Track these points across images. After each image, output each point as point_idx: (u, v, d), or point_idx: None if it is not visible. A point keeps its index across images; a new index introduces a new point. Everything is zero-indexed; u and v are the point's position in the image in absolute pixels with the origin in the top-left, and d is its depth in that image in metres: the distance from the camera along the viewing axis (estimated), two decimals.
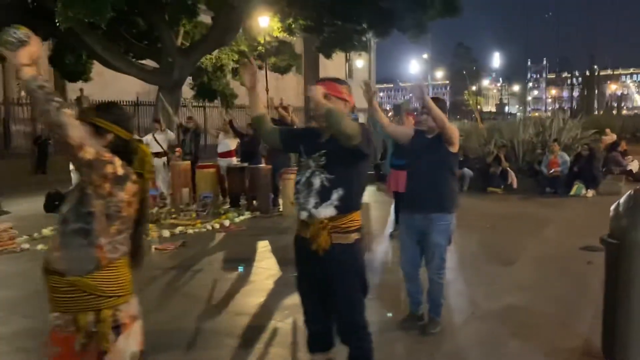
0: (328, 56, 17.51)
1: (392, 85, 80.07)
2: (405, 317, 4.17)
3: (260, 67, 22.79)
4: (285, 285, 5.09)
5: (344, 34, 15.71)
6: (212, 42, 17.07)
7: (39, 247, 6.70)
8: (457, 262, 5.97)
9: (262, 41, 21.38)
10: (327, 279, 2.69)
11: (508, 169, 11.23)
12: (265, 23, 18.95)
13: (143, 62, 18.12)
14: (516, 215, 8.76)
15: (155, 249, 6.55)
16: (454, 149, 3.82)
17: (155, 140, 10.70)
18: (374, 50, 47.45)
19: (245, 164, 9.57)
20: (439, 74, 56.34)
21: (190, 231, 7.56)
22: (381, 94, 66.83)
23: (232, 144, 10.16)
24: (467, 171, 11.49)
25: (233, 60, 22.50)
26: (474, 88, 62.52)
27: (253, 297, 4.87)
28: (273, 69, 23.17)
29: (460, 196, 10.65)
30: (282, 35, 19.75)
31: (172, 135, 10.81)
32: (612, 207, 3.15)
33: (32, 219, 9.01)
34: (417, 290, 4.09)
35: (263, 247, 6.73)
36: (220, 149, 10.32)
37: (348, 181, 2.64)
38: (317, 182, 2.66)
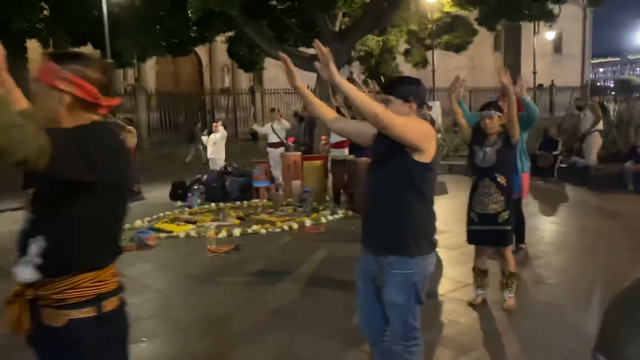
0: (492, 29, 15.36)
1: (617, 59, 69.47)
2: None
3: (430, 47, 21.23)
4: (286, 315, 4.16)
5: (510, 2, 13.44)
6: (368, 25, 16.18)
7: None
8: (540, 303, 4.27)
9: (432, 18, 19.82)
10: None
11: None
12: None
13: (305, 49, 18.12)
14: None
15: (208, 250, 6.09)
16: (422, 156, 2.44)
17: (273, 130, 10.37)
18: (589, 19, 41.51)
19: (351, 156, 8.61)
20: None
21: (263, 231, 6.96)
22: (601, 70, 58.44)
23: None
24: (628, 166, 8.93)
25: (405, 41, 21.38)
26: None
27: (236, 324, 4.02)
28: (445, 48, 21.37)
29: (621, 197, 8.40)
30: (454, 10, 17.96)
31: (287, 124, 10.35)
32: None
33: (153, 206, 9.33)
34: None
35: (320, 257, 5.77)
36: (332, 139, 9.50)
37: (56, 226, 1.63)
38: (22, 224, 1.72)
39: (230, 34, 18.82)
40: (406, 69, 23.28)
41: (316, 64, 2.30)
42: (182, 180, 10.41)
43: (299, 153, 9.61)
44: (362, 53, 21.47)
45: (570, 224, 7.06)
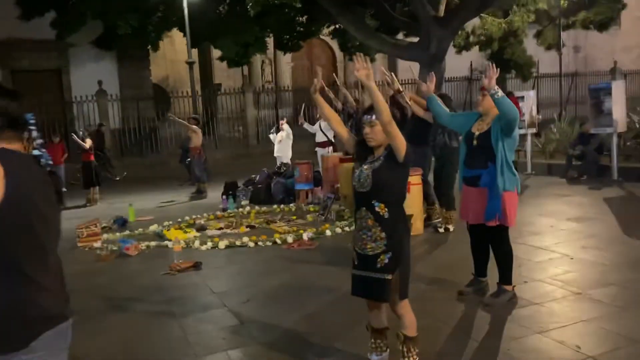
0: None
1: None
2: None
3: (566, 27, 18.38)
4: None
5: None
6: (473, 7, 14.43)
7: (101, 247, 6.59)
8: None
9: None
10: None
11: None
12: None
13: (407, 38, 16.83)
14: None
15: (169, 266, 5.55)
16: None
17: (321, 128, 9.60)
18: None
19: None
20: None
21: (251, 244, 6.29)
22: None
23: None
24: None
25: (530, 22, 18.86)
26: None
27: None
28: (583, 26, 18.39)
29: None
30: None
31: None
32: None
33: (198, 207, 9.21)
34: None
35: (272, 285, 4.91)
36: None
37: None
38: None
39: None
40: (538, 52, 20.63)
41: None
42: (233, 181, 10.13)
43: (340, 154, 8.70)
44: (482, 38, 19.42)
45: (603, 254, 5.18)
